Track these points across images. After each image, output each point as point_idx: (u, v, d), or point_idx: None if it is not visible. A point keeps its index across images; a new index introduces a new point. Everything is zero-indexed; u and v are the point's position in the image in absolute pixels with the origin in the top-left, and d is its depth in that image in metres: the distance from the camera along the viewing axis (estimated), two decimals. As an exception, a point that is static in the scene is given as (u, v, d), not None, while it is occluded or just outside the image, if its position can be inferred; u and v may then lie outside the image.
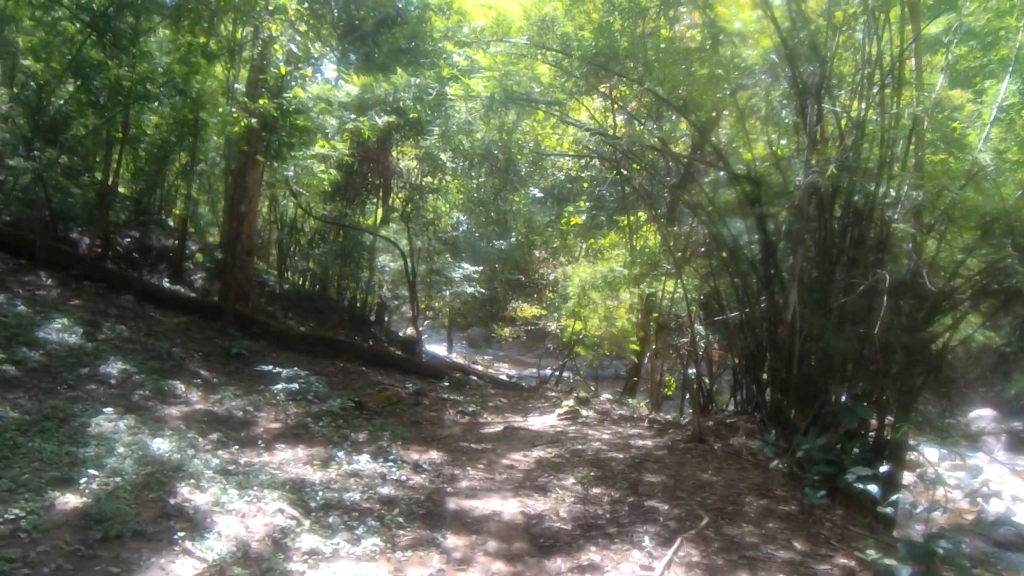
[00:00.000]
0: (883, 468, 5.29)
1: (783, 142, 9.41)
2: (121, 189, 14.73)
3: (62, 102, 12.63)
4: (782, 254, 8.44)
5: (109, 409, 6.32)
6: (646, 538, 4.94)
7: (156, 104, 12.66)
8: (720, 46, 9.18)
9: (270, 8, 11.54)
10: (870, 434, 7.30)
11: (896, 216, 7.38)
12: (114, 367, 7.86)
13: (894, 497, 4.98)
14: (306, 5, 13.56)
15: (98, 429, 5.79)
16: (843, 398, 6.79)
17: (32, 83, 12.43)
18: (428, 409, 9.88)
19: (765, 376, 8.41)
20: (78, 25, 11.56)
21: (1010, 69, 9.02)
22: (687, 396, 10.95)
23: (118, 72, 11.19)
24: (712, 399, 10.11)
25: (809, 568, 4.54)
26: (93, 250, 12.15)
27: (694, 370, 10.22)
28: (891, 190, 7.49)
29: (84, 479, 4.65)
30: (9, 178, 11.77)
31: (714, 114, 10.51)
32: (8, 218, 11.68)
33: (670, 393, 13.05)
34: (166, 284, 12.97)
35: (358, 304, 17.64)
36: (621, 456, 7.32)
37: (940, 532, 4.76)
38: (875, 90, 7.75)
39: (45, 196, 11.92)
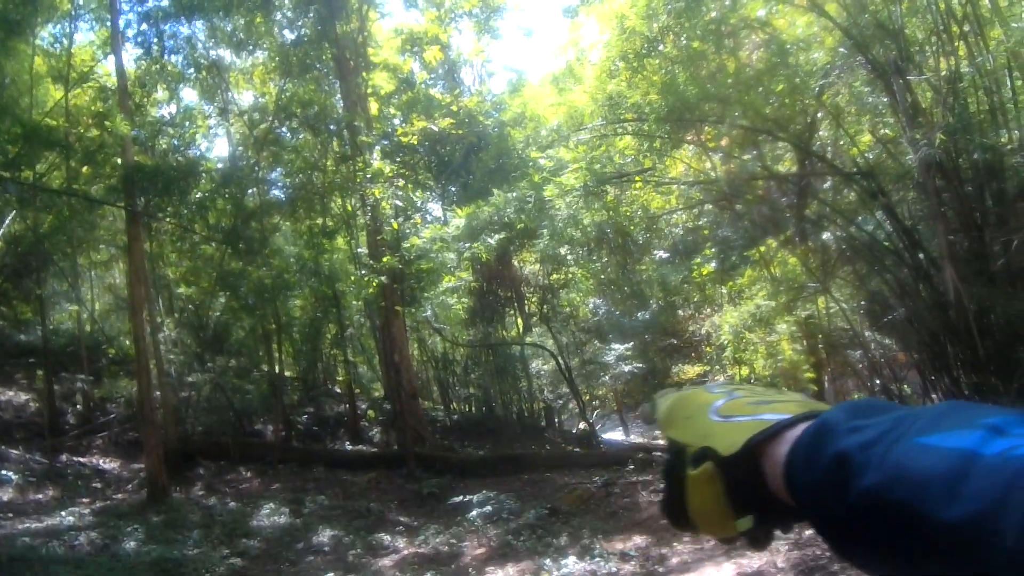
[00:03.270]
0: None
1: (888, 123, 9.10)
2: (288, 373, 16.05)
3: (218, 314, 14.18)
4: (925, 235, 8.02)
5: (331, 574, 6.74)
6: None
7: (297, 290, 13.98)
8: (789, 57, 9.15)
9: (369, 176, 12.60)
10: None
11: (1030, 157, 6.92)
12: (324, 535, 8.44)
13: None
14: (398, 161, 14.72)
15: (326, 597, 6.21)
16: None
17: (189, 306, 14.10)
18: (620, 497, 9.81)
19: (953, 364, 7.85)
20: (214, 244, 13.09)
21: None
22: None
23: (258, 273, 12.52)
24: (905, 403, 9.46)
25: None
26: (278, 435, 13.22)
27: (879, 380, 9.66)
28: (1014, 132, 7.07)
29: (326, 647, 4.99)
30: (192, 393, 13.16)
31: (808, 123, 10.34)
32: (200, 428, 13.00)
33: (864, 411, 12.27)
34: (348, 447, 13.80)
35: (526, 414, 17.94)
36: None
37: None
38: (958, 43, 7.45)
39: (226, 399, 13.20)
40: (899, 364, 10.41)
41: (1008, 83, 7.24)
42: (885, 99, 8.36)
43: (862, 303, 9.97)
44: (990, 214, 7.17)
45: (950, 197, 7.43)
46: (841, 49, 8.34)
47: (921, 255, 7.91)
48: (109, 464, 11.72)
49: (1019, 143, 6.91)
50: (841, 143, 9.75)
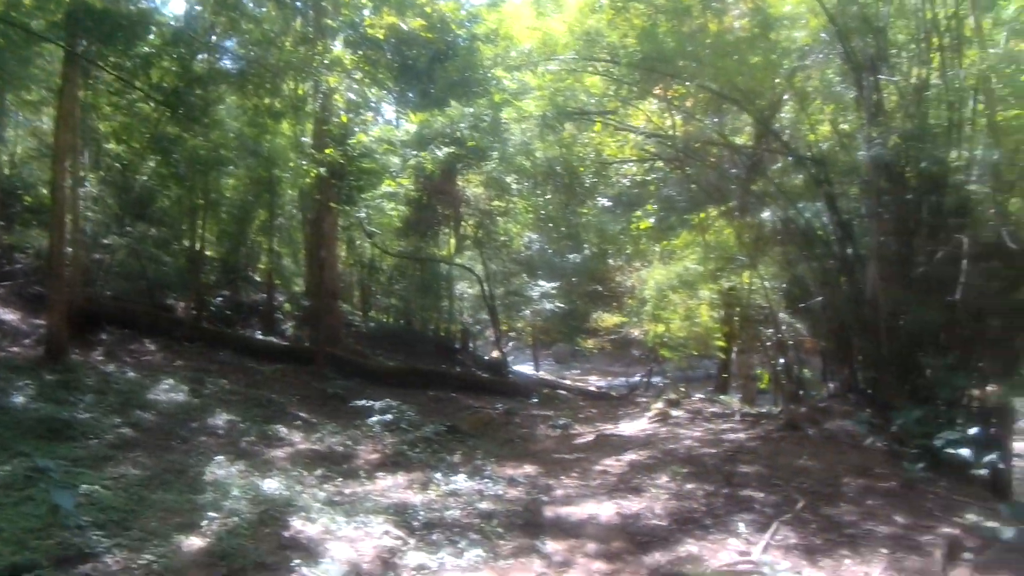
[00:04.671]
0: (973, 430, 5.11)
1: (849, 118, 9.23)
2: (208, 252, 15.59)
3: (146, 178, 13.54)
4: (858, 232, 8.27)
5: (221, 457, 6.69)
6: (742, 526, 4.98)
7: (232, 168, 13.43)
8: (770, 32, 9.14)
9: (327, 62, 12.08)
10: (973, 404, 7.06)
11: (973, 178, 7.15)
12: (220, 418, 8.35)
13: (988, 458, 4.82)
14: (360, 54, 14.14)
15: (213, 476, 6.16)
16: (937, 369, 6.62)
17: (117, 164, 13.39)
18: (520, 427, 10.04)
19: (856, 356, 8.24)
20: (153, 104, 12.39)
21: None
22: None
23: (194, 143, 11.95)
24: (804, 386, 9.92)
25: (911, 540, 4.48)
26: (189, 312, 12.89)
27: (783, 360, 10.06)
28: (964, 152, 7.28)
29: (206, 522, 4.96)
30: (106, 255, 12.64)
31: (774, 100, 10.39)
32: (110, 292, 12.54)
33: (764, 386, 12.81)
34: (260, 336, 13.60)
35: (442, 333, 18.05)
36: (714, 451, 7.32)
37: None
38: (935, 54, 7.56)
39: (141, 268, 12.74)
40: (805, 349, 10.86)
41: (971, 103, 7.40)
42: (852, 94, 8.47)
43: (784, 285, 10.28)
44: (923, 224, 7.43)
45: (890, 200, 7.64)
46: (823, 35, 8.36)
47: (850, 249, 8.17)
48: (9, 315, 11.20)
49: (967, 163, 7.12)
50: (801, 127, 9.86)
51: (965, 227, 6.96)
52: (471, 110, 13.27)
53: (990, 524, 4.11)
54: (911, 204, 7.56)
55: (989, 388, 6.97)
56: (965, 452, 5.00)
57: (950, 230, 7.08)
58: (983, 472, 4.93)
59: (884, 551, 4.40)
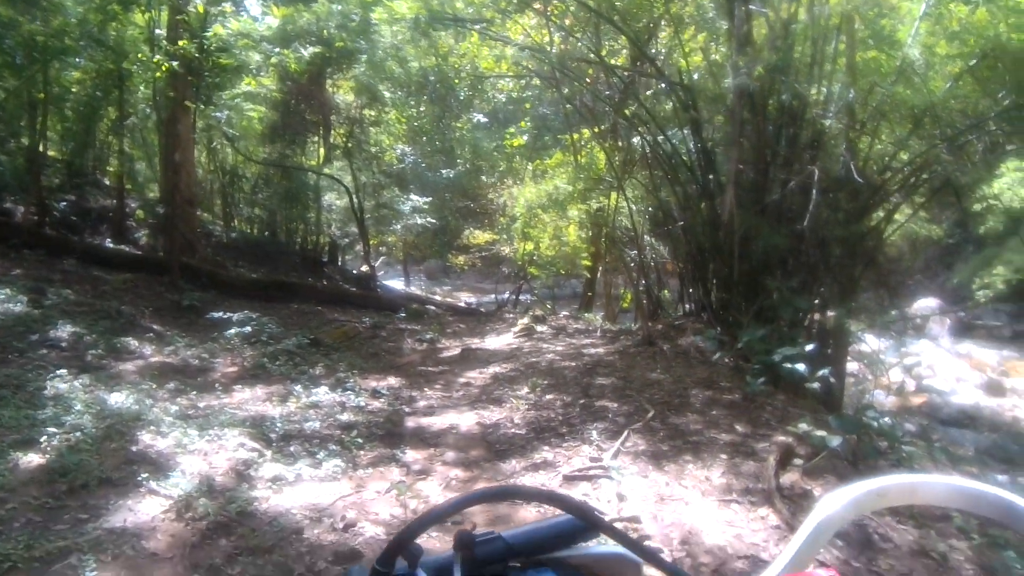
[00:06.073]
0: (809, 347, 5.53)
1: (721, 50, 9.42)
2: (51, 152, 14.22)
3: (-24, 67, 12.05)
4: (720, 159, 8.57)
5: (63, 371, 6.25)
6: (595, 434, 5.21)
7: (76, 58, 12.16)
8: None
9: (183, -57, 11.04)
10: (813, 326, 7.63)
11: (829, 114, 7.51)
12: (64, 331, 7.76)
13: (821, 372, 5.24)
14: (221, -64, 12.97)
15: (54, 391, 5.74)
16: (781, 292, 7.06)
17: (-59, 49, 11.80)
18: (386, 340, 9.99)
19: (710, 278, 8.67)
20: (-18, -17, 10.95)
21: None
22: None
23: (31, 28, 10.72)
24: (661, 305, 10.39)
25: (748, 447, 4.84)
26: (29, 218, 11.81)
27: (645, 280, 10.45)
28: (823, 89, 7.62)
29: (45, 438, 4.63)
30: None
31: (650, 24, 10.45)
32: (-63, 193, 11.26)
33: (626, 305, 13.32)
34: (109, 244, 12.68)
35: (309, 246, 17.48)
36: (573, 364, 7.58)
37: (868, 405, 5.08)
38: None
39: (-28, 168, 11.48)
40: (665, 271, 11.33)
41: (833, 42, 7.70)
42: (725, 25, 8.62)
43: (649, 208, 10.59)
44: (779, 155, 7.78)
45: (751, 130, 7.93)
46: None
47: (711, 176, 8.47)
48: None
49: (824, 99, 7.46)
50: (674, 54, 10.00)
51: (817, 160, 7.34)
52: (339, 7, 12.54)
53: (820, 434, 4.49)
54: (769, 135, 7.89)
55: (828, 312, 7.54)
56: (801, 367, 5.39)
57: (804, 162, 7.45)
58: (816, 386, 5.37)
59: (724, 457, 4.74)
